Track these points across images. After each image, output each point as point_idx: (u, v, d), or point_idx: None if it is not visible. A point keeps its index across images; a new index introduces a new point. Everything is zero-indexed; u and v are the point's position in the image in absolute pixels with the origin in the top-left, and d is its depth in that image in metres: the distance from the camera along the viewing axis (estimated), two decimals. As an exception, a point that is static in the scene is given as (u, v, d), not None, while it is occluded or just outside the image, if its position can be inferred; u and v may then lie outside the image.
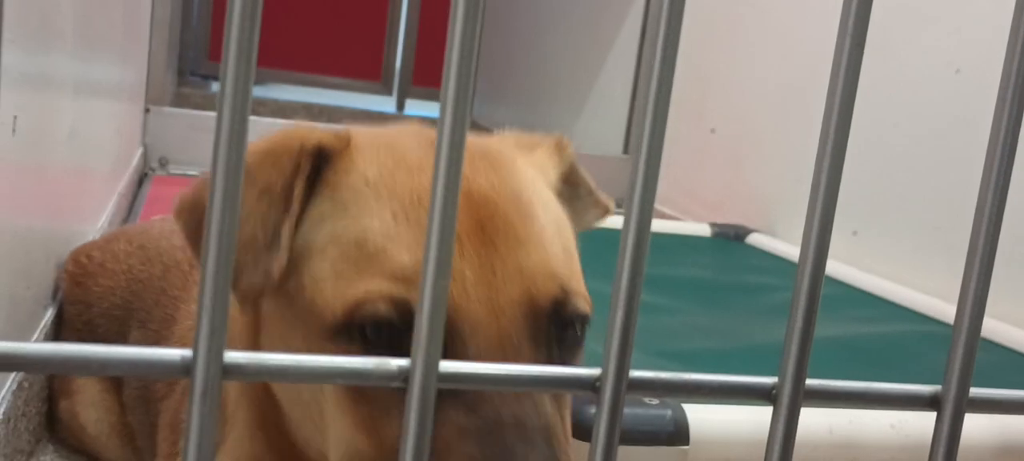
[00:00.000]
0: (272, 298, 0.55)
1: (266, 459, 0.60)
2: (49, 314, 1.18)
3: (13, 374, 1.00)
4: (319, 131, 0.56)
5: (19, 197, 1.03)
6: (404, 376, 0.29)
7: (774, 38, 2.29)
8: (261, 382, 0.58)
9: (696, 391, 0.31)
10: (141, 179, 2.44)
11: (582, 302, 0.53)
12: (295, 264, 0.53)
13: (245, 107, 0.28)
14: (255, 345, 0.58)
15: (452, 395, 0.47)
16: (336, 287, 0.51)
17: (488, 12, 4.14)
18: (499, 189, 0.54)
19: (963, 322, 0.31)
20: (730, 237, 2.11)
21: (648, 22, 2.91)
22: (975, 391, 0.31)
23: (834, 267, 1.77)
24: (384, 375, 0.29)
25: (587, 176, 0.67)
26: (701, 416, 0.87)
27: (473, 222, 0.51)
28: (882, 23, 1.89)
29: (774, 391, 0.31)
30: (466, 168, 0.51)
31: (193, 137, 2.55)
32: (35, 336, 1.12)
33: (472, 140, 0.56)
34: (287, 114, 3.95)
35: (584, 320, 0.54)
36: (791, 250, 1.95)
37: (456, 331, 0.49)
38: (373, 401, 0.50)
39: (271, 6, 4.10)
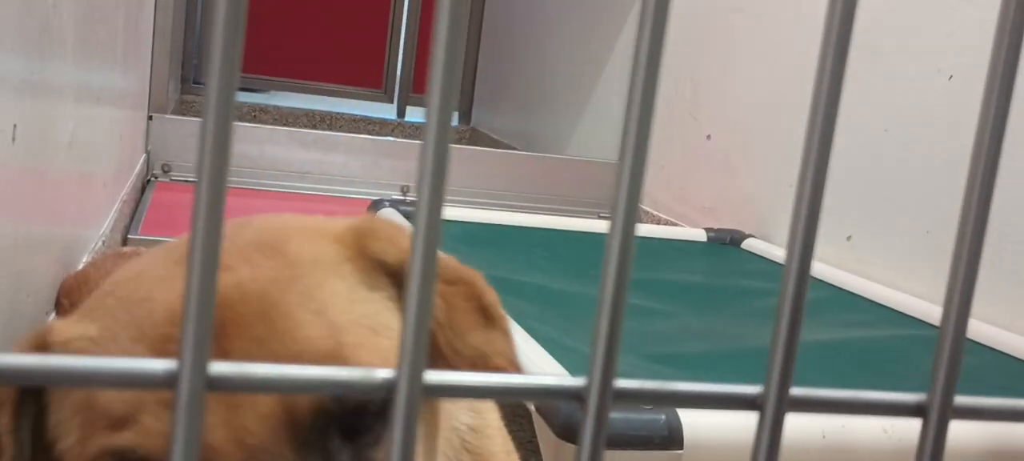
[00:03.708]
0: None
1: None
2: (50, 321, 1.19)
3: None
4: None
5: (19, 204, 1.03)
6: (389, 387, 0.29)
7: (768, 45, 2.29)
8: None
9: (682, 400, 0.31)
10: (144, 185, 2.45)
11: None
12: None
13: (229, 109, 0.28)
14: None
15: None
16: (74, 446, 0.46)
17: (486, 19, 4.16)
18: (251, 284, 0.45)
19: (948, 329, 0.31)
20: (725, 242, 2.11)
21: (639, 29, 2.91)
22: (960, 399, 0.31)
23: (828, 271, 1.78)
24: (368, 386, 0.29)
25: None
26: (695, 421, 0.87)
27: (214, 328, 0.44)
28: (874, 29, 1.91)
29: (759, 399, 0.31)
30: (226, 261, 0.46)
31: (195, 144, 2.57)
32: (35, 344, 1.12)
33: (267, 225, 0.51)
34: (289, 121, 3.96)
35: (378, 405, 0.44)
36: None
37: None
38: None
39: (273, 15, 4.11)
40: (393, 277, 0.50)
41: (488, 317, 0.53)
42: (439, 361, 0.51)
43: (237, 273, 0.46)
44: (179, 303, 0.43)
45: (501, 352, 0.52)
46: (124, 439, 0.43)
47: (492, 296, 0.54)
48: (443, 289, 0.52)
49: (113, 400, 0.44)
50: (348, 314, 0.46)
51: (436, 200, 0.29)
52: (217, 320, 0.42)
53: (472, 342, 0.52)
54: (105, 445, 0.44)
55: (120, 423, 0.44)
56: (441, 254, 0.52)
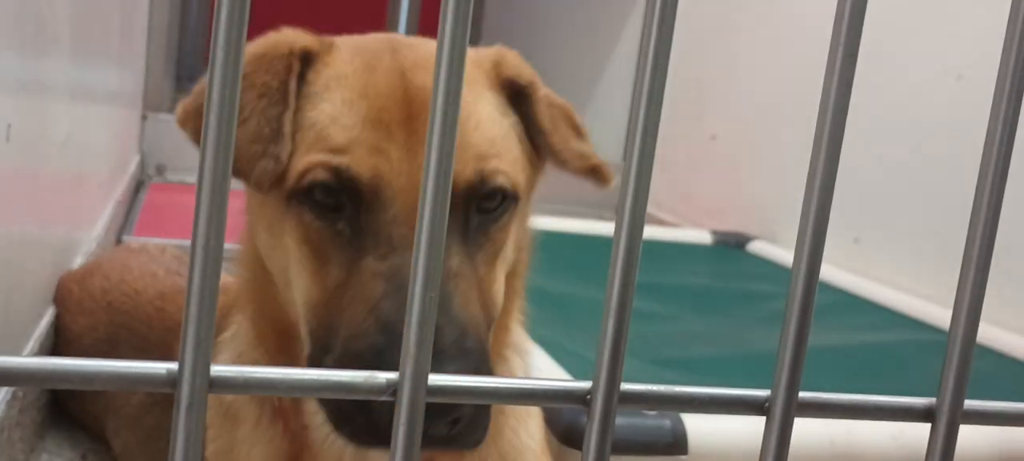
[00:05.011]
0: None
1: (265, 333, 0.70)
2: (44, 322, 1.18)
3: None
4: (306, 35, 0.68)
5: (13, 204, 1.03)
6: (392, 389, 0.28)
7: (774, 45, 2.29)
8: (258, 265, 0.69)
9: (688, 404, 0.31)
10: (138, 186, 2.44)
11: (501, 178, 0.64)
12: None
13: (231, 113, 0.27)
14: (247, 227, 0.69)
15: (373, 243, 0.60)
16: (294, 160, 0.62)
17: (488, 17, 4.15)
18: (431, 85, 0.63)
19: (957, 335, 0.31)
20: (731, 244, 2.10)
21: (643, 29, 2.91)
22: (970, 403, 0.31)
23: (836, 274, 1.77)
24: (372, 388, 0.28)
25: (545, 105, 0.70)
26: (699, 426, 0.86)
27: (404, 113, 0.62)
28: (883, 30, 1.90)
29: (767, 404, 0.30)
30: (408, 69, 0.64)
31: (190, 144, 2.55)
32: (30, 344, 1.11)
33: (423, 47, 0.68)
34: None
35: (504, 193, 0.64)
36: (792, 257, 1.94)
37: (379, 196, 0.61)
38: (320, 258, 0.62)
39: (268, 14, 4.10)
40: (517, 99, 0.69)
41: (579, 132, 0.71)
42: (550, 158, 0.69)
43: (418, 78, 0.64)
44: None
45: (592, 155, 0.70)
46: (341, 160, 0.61)
47: (579, 118, 0.73)
48: (550, 110, 0.70)
49: (337, 132, 0.62)
50: (495, 130, 0.66)
51: (441, 198, 0.29)
52: (412, 109, 0.62)
53: (574, 147, 0.69)
54: (325, 160, 0.61)
55: (339, 150, 0.61)
56: (541, 85, 0.70)
